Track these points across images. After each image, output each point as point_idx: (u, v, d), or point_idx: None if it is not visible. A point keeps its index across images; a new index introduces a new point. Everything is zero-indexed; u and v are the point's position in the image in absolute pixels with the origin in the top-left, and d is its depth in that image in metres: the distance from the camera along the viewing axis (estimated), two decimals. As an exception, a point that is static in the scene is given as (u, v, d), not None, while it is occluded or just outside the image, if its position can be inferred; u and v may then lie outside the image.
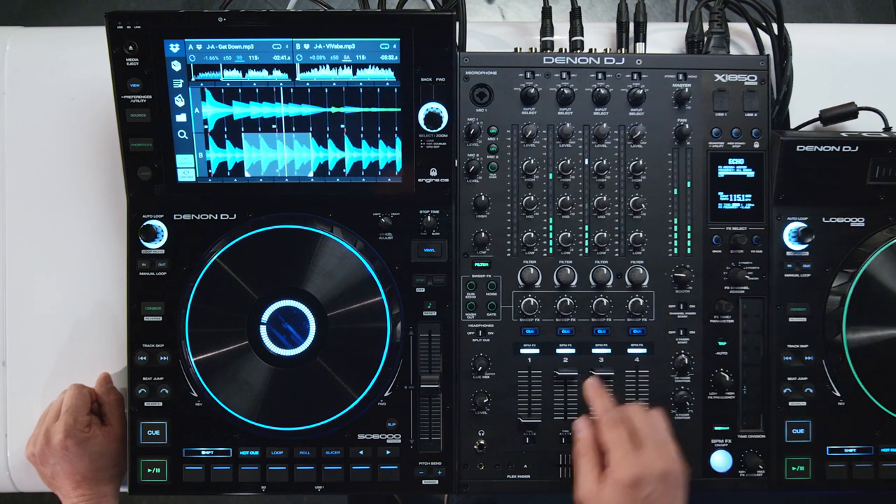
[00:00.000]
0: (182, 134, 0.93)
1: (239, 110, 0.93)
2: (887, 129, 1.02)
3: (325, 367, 0.93)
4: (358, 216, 0.96)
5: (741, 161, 0.97)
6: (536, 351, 0.97)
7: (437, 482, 0.96)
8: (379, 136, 0.94)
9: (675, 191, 0.97)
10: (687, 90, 0.96)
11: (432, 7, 1.05)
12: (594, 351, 0.97)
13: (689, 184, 0.97)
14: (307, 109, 0.93)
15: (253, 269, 0.93)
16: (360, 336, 0.93)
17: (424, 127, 0.93)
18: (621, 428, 0.83)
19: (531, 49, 0.99)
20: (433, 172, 0.95)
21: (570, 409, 0.96)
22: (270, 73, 0.92)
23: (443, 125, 0.93)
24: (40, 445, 0.94)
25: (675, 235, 0.97)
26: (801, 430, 0.96)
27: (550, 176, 0.97)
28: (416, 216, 0.96)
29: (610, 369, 0.96)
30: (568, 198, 0.96)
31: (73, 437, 0.93)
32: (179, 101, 0.92)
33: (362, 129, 0.94)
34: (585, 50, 1.00)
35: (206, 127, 0.93)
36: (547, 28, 1.01)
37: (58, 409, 0.96)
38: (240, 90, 0.92)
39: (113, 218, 1.03)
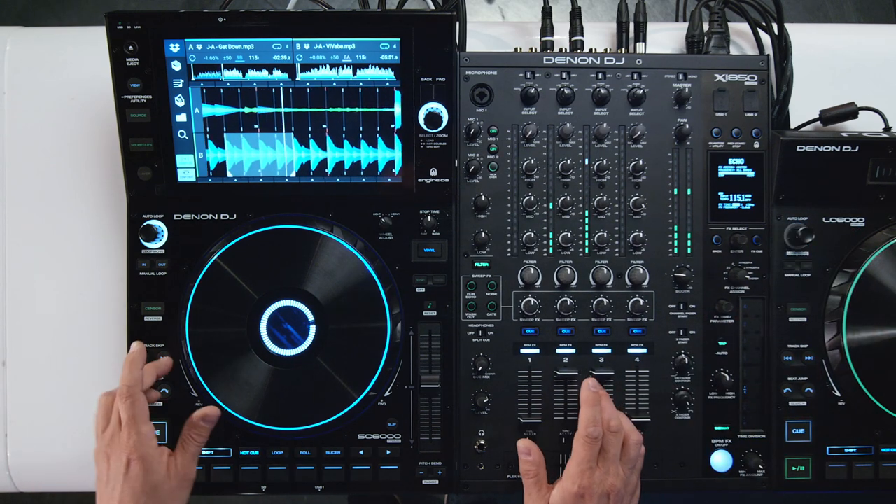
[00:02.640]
0: (182, 134, 0.93)
1: (239, 110, 0.93)
2: (887, 129, 1.02)
3: (325, 367, 0.93)
4: (358, 216, 0.96)
5: (741, 161, 0.97)
6: (536, 351, 0.97)
7: (437, 482, 0.96)
8: (379, 135, 0.94)
9: (675, 191, 0.97)
10: (687, 90, 0.96)
11: (432, 7, 1.05)
12: (594, 351, 0.97)
13: (689, 184, 0.97)
14: (307, 109, 0.93)
15: (253, 269, 0.93)
16: (360, 336, 0.93)
17: (424, 127, 0.93)
18: (595, 447, 0.87)
19: (531, 49, 0.99)
20: (433, 172, 0.95)
21: (571, 409, 0.96)
22: (270, 73, 0.92)
23: (443, 125, 0.93)
24: (134, 441, 0.84)
25: (676, 235, 0.97)
26: (801, 430, 0.96)
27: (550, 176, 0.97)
28: (416, 216, 0.96)
29: (610, 369, 0.96)
30: (568, 198, 0.96)
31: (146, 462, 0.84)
32: (179, 101, 0.92)
33: (362, 128, 0.94)
34: (585, 50, 1.00)
35: (206, 127, 0.93)
36: (547, 28, 1.01)
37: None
38: (240, 90, 0.92)
39: (113, 218, 1.03)
